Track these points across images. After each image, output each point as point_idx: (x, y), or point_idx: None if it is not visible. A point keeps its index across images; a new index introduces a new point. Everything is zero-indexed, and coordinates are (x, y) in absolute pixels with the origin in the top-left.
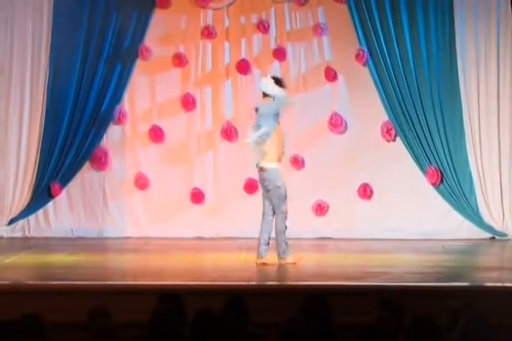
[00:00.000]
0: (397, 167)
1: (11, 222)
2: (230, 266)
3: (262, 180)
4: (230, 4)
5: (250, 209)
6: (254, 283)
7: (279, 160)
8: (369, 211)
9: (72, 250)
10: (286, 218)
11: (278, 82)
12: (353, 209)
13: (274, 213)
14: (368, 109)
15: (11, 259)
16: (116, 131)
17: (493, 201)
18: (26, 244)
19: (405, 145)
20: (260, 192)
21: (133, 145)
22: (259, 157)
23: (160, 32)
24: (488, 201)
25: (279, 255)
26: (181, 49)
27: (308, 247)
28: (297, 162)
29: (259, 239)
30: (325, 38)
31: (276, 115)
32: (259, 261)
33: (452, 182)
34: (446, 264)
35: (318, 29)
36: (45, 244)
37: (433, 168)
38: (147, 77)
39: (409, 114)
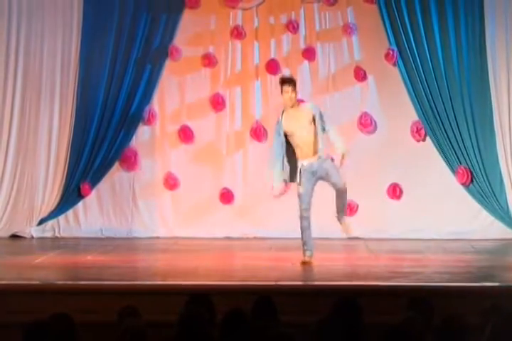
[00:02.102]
0: (427, 167)
1: (41, 222)
2: (259, 266)
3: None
4: (259, 4)
5: (279, 210)
6: (283, 283)
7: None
8: (398, 211)
9: (102, 250)
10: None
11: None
12: (383, 209)
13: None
14: (397, 108)
15: (40, 259)
16: (145, 132)
17: None
18: (56, 244)
19: (435, 145)
20: (292, 192)
21: (162, 146)
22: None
23: (189, 32)
24: None
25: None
26: (211, 49)
27: (337, 247)
28: None
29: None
30: (354, 38)
31: None
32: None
33: (482, 181)
34: (476, 264)
35: (347, 29)
36: (74, 244)
37: (463, 168)
38: (177, 77)
39: (439, 114)
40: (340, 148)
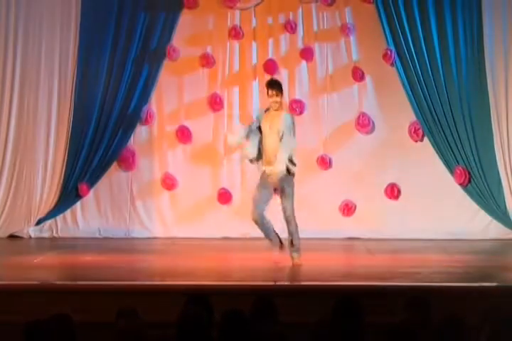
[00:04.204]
0: (425, 167)
1: (39, 222)
2: (257, 266)
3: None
4: (258, 4)
5: (277, 210)
6: (281, 283)
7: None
8: (396, 211)
9: (100, 250)
10: None
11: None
12: (381, 209)
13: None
14: (395, 109)
15: (39, 259)
16: (143, 132)
17: None
18: (54, 244)
19: (433, 145)
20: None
21: (160, 146)
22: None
23: (187, 32)
24: None
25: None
26: (209, 49)
27: (335, 247)
28: (324, 162)
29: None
30: (352, 38)
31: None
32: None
33: (480, 182)
34: (474, 264)
35: (345, 29)
36: (72, 244)
37: (461, 168)
38: (174, 77)
39: (436, 114)
40: (277, 166)
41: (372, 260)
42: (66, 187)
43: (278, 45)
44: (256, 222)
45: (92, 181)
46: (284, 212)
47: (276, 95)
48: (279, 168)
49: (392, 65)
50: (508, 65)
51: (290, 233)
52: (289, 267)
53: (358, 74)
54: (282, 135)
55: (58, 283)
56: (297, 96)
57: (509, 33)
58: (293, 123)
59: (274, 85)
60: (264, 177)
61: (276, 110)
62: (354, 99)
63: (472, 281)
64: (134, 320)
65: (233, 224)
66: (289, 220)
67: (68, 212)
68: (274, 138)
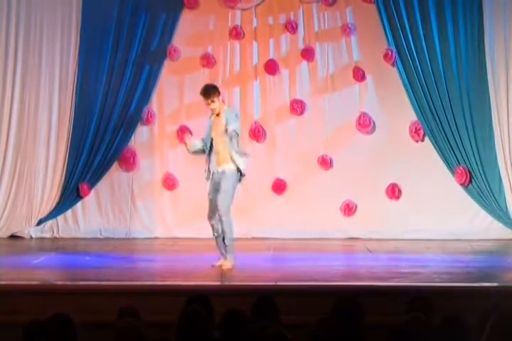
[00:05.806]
0: (426, 167)
1: (40, 222)
2: (258, 267)
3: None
4: (258, 4)
5: (278, 210)
6: (282, 283)
7: None
8: (397, 211)
9: (101, 250)
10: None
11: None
12: (382, 209)
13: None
14: (396, 109)
15: (40, 260)
16: (144, 132)
17: None
18: (55, 244)
19: (434, 145)
20: (288, 192)
21: (161, 146)
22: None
23: (188, 32)
24: None
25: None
26: (209, 49)
27: (336, 247)
28: (325, 162)
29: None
30: (353, 38)
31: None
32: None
33: (481, 182)
34: (475, 265)
35: (346, 29)
36: (73, 245)
37: (462, 168)
38: (175, 77)
39: (437, 114)
40: (241, 164)
41: (373, 260)
42: (67, 187)
43: (279, 45)
44: (213, 226)
45: (93, 181)
46: (217, 209)
47: (212, 101)
48: (239, 163)
49: (393, 65)
50: (509, 65)
51: (223, 231)
52: (289, 267)
53: (358, 74)
54: (226, 130)
55: (58, 283)
56: (298, 96)
57: (510, 32)
58: (236, 114)
59: (205, 94)
60: (214, 180)
61: (217, 115)
62: (355, 99)
63: (473, 281)
64: (134, 320)
65: (234, 224)
66: (220, 215)
67: (69, 213)
68: (221, 140)
